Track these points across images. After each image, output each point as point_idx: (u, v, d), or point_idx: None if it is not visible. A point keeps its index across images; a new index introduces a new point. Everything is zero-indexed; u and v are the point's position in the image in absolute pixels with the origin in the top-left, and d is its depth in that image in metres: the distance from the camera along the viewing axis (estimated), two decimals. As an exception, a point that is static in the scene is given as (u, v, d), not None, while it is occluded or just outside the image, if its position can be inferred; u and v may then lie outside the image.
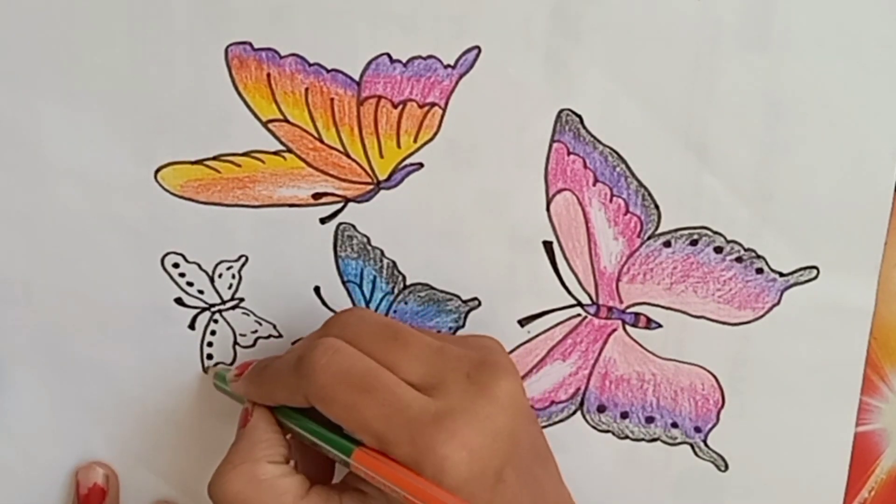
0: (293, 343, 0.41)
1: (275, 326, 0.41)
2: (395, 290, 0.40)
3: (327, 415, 0.33)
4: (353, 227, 0.39)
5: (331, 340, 0.34)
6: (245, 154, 0.39)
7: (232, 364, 0.41)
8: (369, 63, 0.38)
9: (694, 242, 0.39)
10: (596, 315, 0.40)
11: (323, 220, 0.39)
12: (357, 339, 0.34)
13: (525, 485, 0.35)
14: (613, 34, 0.37)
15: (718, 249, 0.39)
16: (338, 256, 0.40)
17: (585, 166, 0.39)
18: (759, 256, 0.39)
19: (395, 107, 0.38)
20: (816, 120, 0.38)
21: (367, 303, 0.40)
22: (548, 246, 0.40)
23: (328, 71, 0.38)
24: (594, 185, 0.39)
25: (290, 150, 0.39)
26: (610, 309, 0.40)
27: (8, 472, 0.42)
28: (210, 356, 0.41)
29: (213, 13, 0.37)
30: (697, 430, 0.41)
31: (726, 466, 0.42)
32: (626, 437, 0.42)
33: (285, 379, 0.35)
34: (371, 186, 0.39)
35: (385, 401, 0.33)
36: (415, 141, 0.39)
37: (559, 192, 0.39)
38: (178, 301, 0.40)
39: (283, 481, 0.34)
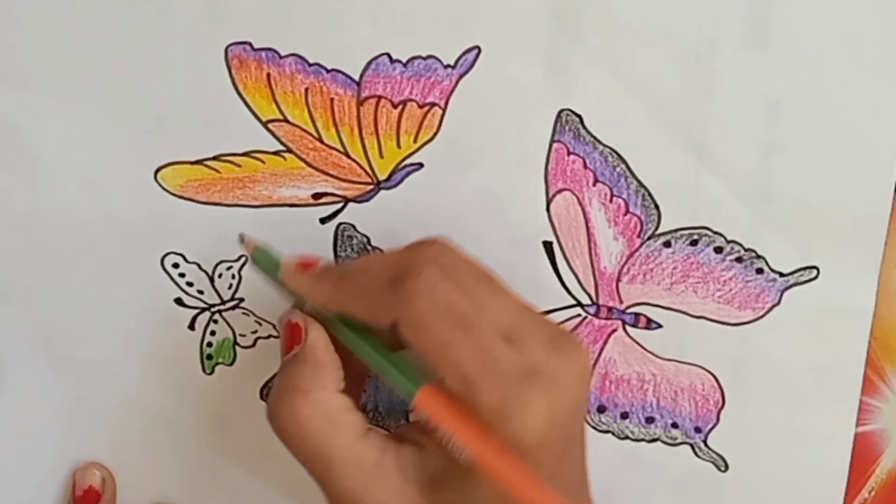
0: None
1: (274, 327, 0.40)
2: (395, 291, 0.40)
3: (415, 345, 0.32)
4: (353, 227, 0.39)
5: (436, 269, 0.32)
6: (245, 154, 0.39)
7: (232, 364, 0.41)
8: (369, 63, 0.38)
9: (694, 242, 0.39)
10: (596, 315, 0.40)
11: (323, 220, 0.39)
12: (453, 271, 0.33)
13: (575, 464, 0.34)
14: (613, 34, 0.37)
15: (718, 249, 0.39)
16: (338, 256, 0.40)
17: (585, 166, 0.39)
18: (759, 256, 0.39)
19: (395, 107, 0.38)
20: (816, 120, 0.38)
21: (367, 303, 0.40)
22: (548, 246, 0.40)
23: (328, 71, 0.38)
24: (594, 185, 0.39)
25: (290, 150, 0.39)
26: (610, 309, 0.40)
27: (8, 472, 0.42)
28: (210, 356, 0.41)
29: (213, 13, 0.37)
30: (697, 430, 0.41)
31: (726, 466, 0.42)
32: (626, 437, 0.42)
33: (374, 294, 0.33)
34: (371, 186, 0.39)
35: (481, 345, 0.32)
36: (415, 141, 0.39)
37: (559, 192, 0.39)
38: (178, 301, 0.40)
39: (348, 416, 0.34)
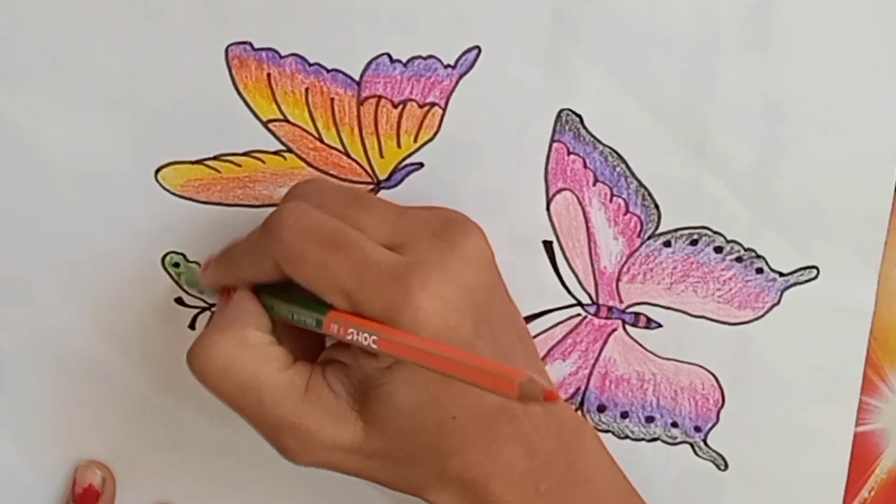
0: None
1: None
2: (396, 290, 0.40)
3: (296, 277, 0.33)
4: (354, 227, 0.39)
5: (296, 203, 0.33)
6: (245, 154, 0.39)
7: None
8: (369, 63, 0.38)
9: (694, 242, 0.39)
10: (596, 315, 0.40)
11: (323, 220, 0.39)
12: (319, 203, 0.34)
13: (500, 347, 0.34)
14: (613, 34, 0.37)
15: (718, 249, 0.39)
16: (338, 256, 0.40)
17: (585, 166, 0.39)
18: (759, 256, 0.39)
19: (395, 107, 0.38)
20: (816, 120, 0.38)
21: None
22: (548, 246, 0.40)
23: (328, 71, 0.38)
24: (594, 184, 0.39)
25: (290, 150, 0.39)
26: (610, 309, 0.40)
27: (8, 472, 0.42)
28: (210, 356, 0.41)
29: (213, 13, 0.37)
30: (697, 429, 0.41)
31: (726, 466, 0.42)
32: (626, 436, 0.42)
33: (252, 249, 0.34)
34: (371, 186, 0.39)
35: (355, 258, 0.32)
36: (415, 141, 0.39)
37: (559, 191, 0.39)
38: (178, 301, 0.40)
39: (271, 349, 0.34)
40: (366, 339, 0.31)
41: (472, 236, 0.33)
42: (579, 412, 0.41)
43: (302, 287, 0.33)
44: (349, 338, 0.32)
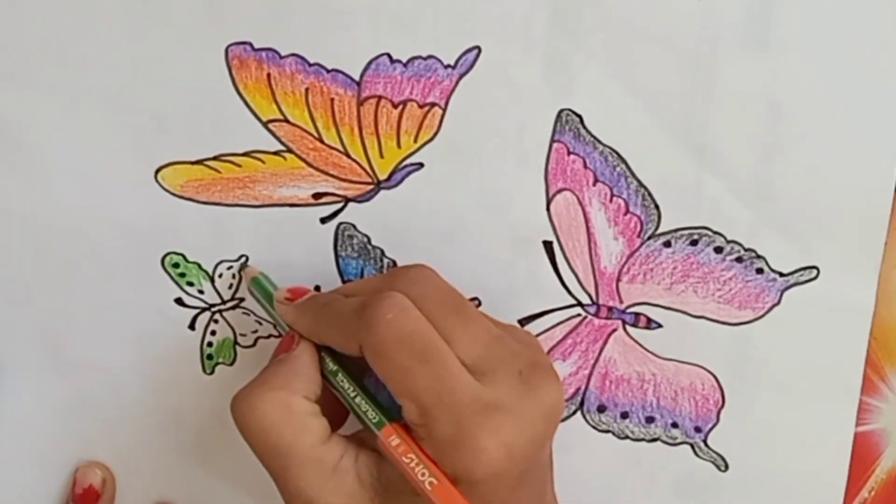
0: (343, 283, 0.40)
1: (275, 326, 0.40)
2: (396, 290, 0.40)
3: (377, 371, 0.33)
4: (354, 226, 0.39)
5: (399, 297, 0.33)
6: (245, 154, 0.39)
7: (233, 364, 0.41)
8: (369, 63, 0.38)
9: (694, 242, 0.39)
10: (596, 315, 0.40)
11: (323, 220, 0.39)
12: (422, 300, 0.34)
13: (534, 490, 0.35)
14: (613, 34, 0.37)
15: (718, 249, 0.39)
16: (338, 256, 0.40)
17: (585, 166, 0.39)
18: (759, 256, 0.39)
19: (396, 107, 0.38)
20: (816, 120, 0.38)
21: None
22: (548, 246, 0.40)
23: (328, 71, 0.38)
24: (594, 185, 0.39)
25: (290, 150, 0.39)
26: (610, 309, 0.40)
27: (8, 472, 0.42)
28: (210, 356, 0.41)
29: (213, 13, 0.37)
30: (697, 430, 0.41)
31: (726, 466, 0.42)
32: (626, 437, 0.42)
33: (344, 322, 0.34)
34: (371, 186, 0.39)
35: (440, 375, 0.32)
36: (415, 141, 0.39)
37: (559, 191, 0.39)
38: (178, 301, 0.40)
39: (312, 421, 0.34)
40: (423, 474, 0.32)
41: (553, 387, 0.34)
42: (579, 412, 0.41)
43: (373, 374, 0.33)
44: (403, 460, 0.32)
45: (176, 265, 0.40)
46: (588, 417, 0.41)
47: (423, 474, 0.32)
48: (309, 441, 0.33)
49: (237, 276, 0.40)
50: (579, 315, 0.40)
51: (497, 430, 0.32)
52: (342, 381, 0.35)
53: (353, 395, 0.35)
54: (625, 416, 0.41)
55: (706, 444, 0.41)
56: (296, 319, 0.36)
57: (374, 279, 0.36)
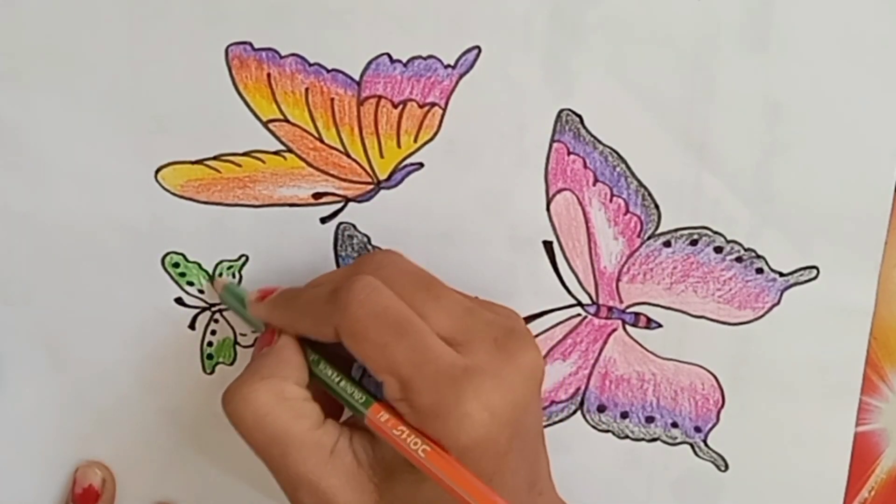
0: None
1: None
2: (396, 290, 0.40)
3: (354, 351, 0.33)
4: (354, 226, 0.39)
5: (369, 278, 0.34)
6: (245, 154, 0.39)
7: (233, 364, 0.41)
8: (369, 63, 0.38)
9: (694, 242, 0.39)
10: (596, 315, 0.40)
11: (323, 220, 0.39)
12: (391, 281, 0.34)
13: (525, 460, 0.35)
14: (613, 34, 0.37)
15: (718, 249, 0.39)
16: (338, 256, 0.40)
17: (585, 166, 0.39)
18: (759, 256, 0.39)
19: (396, 107, 0.38)
20: (816, 120, 0.38)
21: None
22: (548, 246, 0.40)
23: (328, 71, 0.38)
24: (594, 184, 0.39)
25: (290, 150, 0.39)
26: (610, 309, 0.40)
27: (8, 472, 0.42)
28: (210, 356, 0.41)
29: (213, 13, 0.37)
30: (697, 429, 0.41)
31: (726, 466, 0.42)
32: (626, 436, 0.42)
33: (316, 309, 0.34)
34: (371, 186, 0.39)
35: (416, 347, 0.32)
36: (415, 141, 0.39)
37: (559, 191, 0.39)
38: (178, 301, 0.40)
39: (305, 405, 0.34)
40: (415, 444, 0.32)
41: (530, 350, 0.34)
42: (579, 412, 0.41)
43: (353, 358, 0.33)
44: (394, 433, 0.32)
45: (176, 265, 0.40)
46: (588, 417, 0.41)
47: (414, 444, 0.32)
48: (305, 425, 0.33)
49: (237, 276, 0.40)
50: (579, 315, 0.40)
51: (478, 394, 0.32)
52: (324, 368, 0.35)
53: (337, 379, 0.35)
54: (625, 415, 0.41)
55: (706, 444, 0.41)
56: (270, 315, 0.37)
57: (341, 269, 0.37)
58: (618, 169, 0.39)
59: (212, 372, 0.41)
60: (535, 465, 0.36)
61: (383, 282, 0.34)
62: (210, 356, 0.41)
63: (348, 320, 0.33)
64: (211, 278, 0.40)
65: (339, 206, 0.39)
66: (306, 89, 0.38)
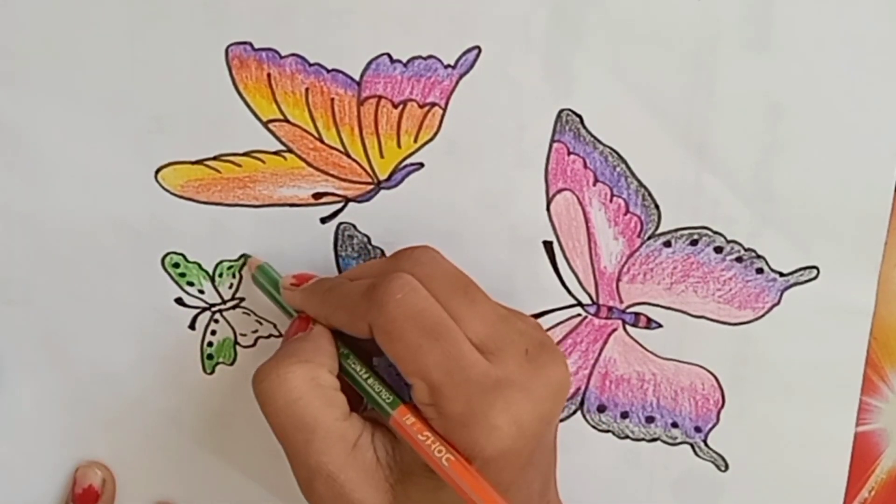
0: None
1: (275, 326, 0.41)
2: (396, 290, 0.40)
3: (387, 350, 0.33)
4: (354, 226, 0.39)
5: (407, 277, 0.33)
6: (245, 154, 0.39)
7: (233, 364, 0.41)
8: (369, 63, 0.38)
9: (694, 242, 0.39)
10: (596, 315, 0.40)
11: (323, 220, 0.39)
12: (428, 280, 0.34)
13: (540, 471, 0.35)
14: (613, 34, 0.37)
15: (718, 249, 0.39)
16: (338, 256, 0.40)
17: (585, 166, 0.39)
18: (759, 256, 0.39)
19: (396, 107, 0.38)
20: (816, 120, 0.38)
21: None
22: (548, 246, 0.40)
23: (328, 71, 0.38)
24: (594, 184, 0.39)
25: (290, 150, 0.39)
26: (610, 309, 0.40)
27: (8, 472, 0.42)
28: (210, 356, 0.41)
29: (213, 13, 0.37)
30: (697, 429, 0.41)
31: (726, 466, 0.42)
32: (626, 437, 0.42)
33: (353, 303, 0.34)
34: (371, 186, 0.39)
35: (450, 353, 0.32)
36: (415, 141, 0.39)
37: (559, 191, 0.39)
38: (178, 301, 0.40)
39: (336, 395, 0.34)
40: (439, 451, 0.32)
41: (559, 365, 0.34)
42: (579, 412, 0.41)
43: (384, 356, 0.33)
44: (419, 437, 0.32)
45: (176, 265, 0.40)
46: (588, 417, 0.41)
47: (439, 451, 0.32)
48: (334, 415, 0.33)
49: (237, 276, 0.40)
50: (579, 315, 0.40)
51: (507, 407, 0.32)
52: (354, 363, 0.35)
53: (366, 376, 0.35)
54: (625, 415, 0.41)
55: (706, 444, 0.41)
56: (304, 303, 0.36)
57: (378, 262, 0.36)
58: (618, 169, 0.39)
59: (212, 372, 0.41)
60: (547, 475, 0.36)
61: (420, 280, 0.33)
62: (210, 356, 0.41)
63: (384, 319, 0.33)
64: (212, 278, 0.40)
65: (339, 206, 0.39)
66: (306, 89, 0.38)
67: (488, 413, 0.32)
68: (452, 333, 0.33)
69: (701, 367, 0.41)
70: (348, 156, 0.39)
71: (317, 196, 0.39)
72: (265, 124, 0.38)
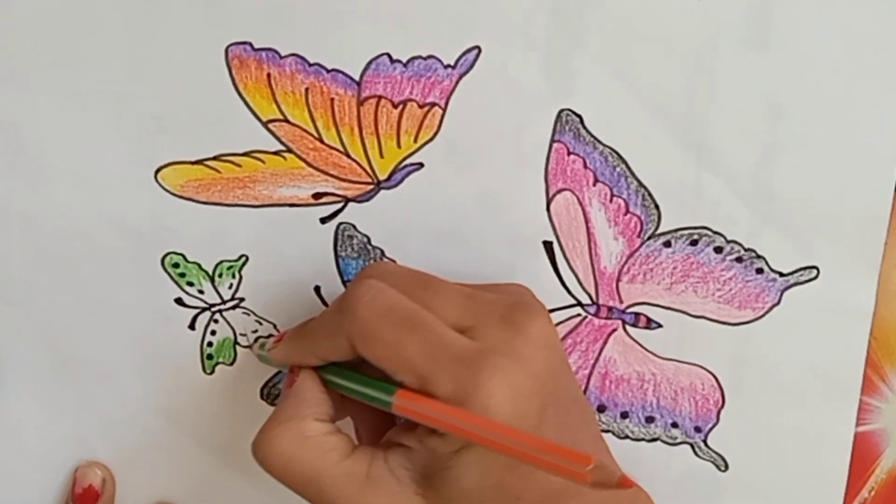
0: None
1: (275, 326, 0.41)
2: (396, 290, 0.40)
3: (368, 355, 0.33)
4: (354, 226, 0.39)
5: (373, 281, 0.34)
6: (245, 154, 0.39)
7: (232, 364, 0.41)
8: (369, 63, 0.38)
9: (694, 242, 0.39)
10: (596, 315, 0.40)
11: (323, 220, 0.39)
12: (391, 278, 0.34)
13: (566, 429, 0.34)
14: (613, 34, 0.37)
15: (718, 249, 0.39)
16: (338, 256, 0.40)
17: (585, 166, 0.39)
18: (759, 256, 0.39)
19: (396, 107, 0.38)
20: (816, 120, 0.38)
21: (368, 303, 0.40)
22: (548, 246, 0.40)
23: (328, 71, 0.38)
24: (594, 185, 0.39)
25: (290, 150, 0.39)
26: (610, 309, 0.40)
27: (8, 472, 0.42)
28: (210, 356, 0.41)
29: (213, 13, 0.37)
30: (697, 430, 0.41)
31: (726, 466, 0.42)
32: (626, 437, 0.42)
33: (326, 323, 0.35)
34: (371, 186, 0.39)
35: (428, 339, 0.32)
36: (415, 141, 0.39)
37: (559, 191, 0.39)
38: (178, 301, 0.40)
39: (330, 439, 0.34)
40: (448, 415, 0.31)
41: (538, 319, 0.34)
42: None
43: (372, 367, 0.33)
44: (426, 411, 0.32)
45: (176, 265, 0.40)
46: (588, 417, 0.41)
47: (448, 415, 0.31)
48: (333, 458, 0.33)
49: (237, 276, 0.40)
50: (579, 315, 0.40)
51: (495, 373, 0.31)
52: (339, 380, 0.35)
53: (354, 386, 0.34)
54: (625, 415, 0.41)
55: (706, 444, 0.41)
56: (287, 353, 0.37)
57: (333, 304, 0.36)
58: (618, 169, 0.39)
59: (212, 372, 0.41)
60: (578, 434, 0.35)
61: (380, 282, 0.34)
62: (210, 356, 0.41)
63: (358, 323, 0.33)
64: (212, 278, 0.40)
65: (339, 206, 0.39)
66: (306, 89, 0.38)
67: (479, 384, 0.31)
68: (427, 320, 0.33)
69: (701, 367, 0.41)
70: (348, 156, 0.39)
71: (317, 196, 0.39)
72: (265, 124, 0.38)
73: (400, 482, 0.33)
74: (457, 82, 0.38)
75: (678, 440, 0.41)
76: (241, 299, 0.40)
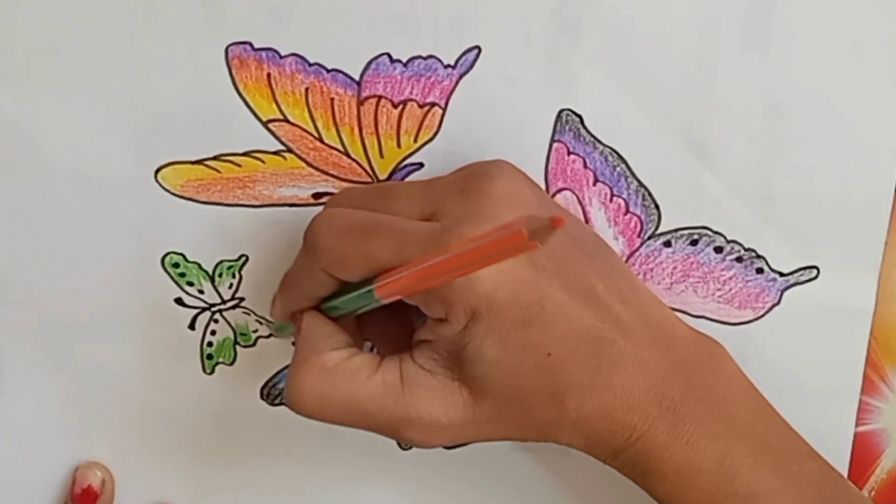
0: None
1: (272, 323, 0.41)
2: (396, 290, 0.40)
3: (346, 276, 0.33)
4: (354, 226, 0.39)
5: (328, 210, 0.34)
6: (245, 154, 0.39)
7: (232, 364, 0.41)
8: (369, 63, 0.38)
9: (694, 242, 0.39)
10: (596, 315, 0.40)
11: (323, 220, 0.39)
12: (347, 201, 0.35)
13: (570, 275, 0.33)
14: (613, 34, 0.37)
15: (718, 249, 0.39)
16: (338, 256, 0.40)
17: (585, 166, 0.39)
18: (759, 256, 0.39)
19: (396, 107, 0.38)
20: (816, 120, 0.38)
21: (368, 303, 0.40)
22: (548, 246, 0.40)
23: (328, 71, 0.38)
24: (594, 184, 0.39)
25: (290, 150, 0.39)
26: (610, 309, 0.40)
27: (8, 472, 0.42)
28: (210, 356, 0.41)
29: (213, 13, 0.37)
30: (697, 430, 0.41)
31: (726, 466, 0.42)
32: (626, 437, 0.41)
33: (301, 266, 0.35)
34: (371, 186, 0.39)
35: (393, 237, 0.32)
36: (415, 141, 0.39)
37: (559, 191, 0.39)
38: (178, 301, 0.40)
39: (353, 361, 0.34)
40: (432, 280, 0.31)
41: (496, 178, 0.33)
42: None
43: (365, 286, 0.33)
44: (400, 289, 0.32)
45: (176, 265, 0.40)
46: (588, 417, 0.41)
47: (433, 277, 0.31)
48: (363, 377, 0.33)
49: (237, 276, 0.40)
50: (579, 315, 0.40)
51: (462, 240, 0.31)
52: (336, 306, 0.35)
53: (345, 303, 0.34)
54: (625, 416, 0.41)
55: (706, 444, 0.41)
56: (281, 306, 0.37)
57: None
58: (618, 169, 0.39)
59: (212, 372, 0.41)
60: (590, 280, 0.34)
61: (334, 207, 0.34)
62: (210, 356, 0.41)
63: (324, 253, 0.33)
64: (212, 278, 0.40)
65: (339, 206, 0.39)
66: (306, 89, 0.38)
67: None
68: (387, 221, 0.33)
69: (701, 367, 0.41)
70: (348, 156, 0.39)
71: (317, 196, 0.39)
72: (265, 124, 0.38)
73: (434, 374, 0.33)
74: (457, 82, 0.38)
75: (678, 440, 0.41)
76: (241, 299, 0.40)
